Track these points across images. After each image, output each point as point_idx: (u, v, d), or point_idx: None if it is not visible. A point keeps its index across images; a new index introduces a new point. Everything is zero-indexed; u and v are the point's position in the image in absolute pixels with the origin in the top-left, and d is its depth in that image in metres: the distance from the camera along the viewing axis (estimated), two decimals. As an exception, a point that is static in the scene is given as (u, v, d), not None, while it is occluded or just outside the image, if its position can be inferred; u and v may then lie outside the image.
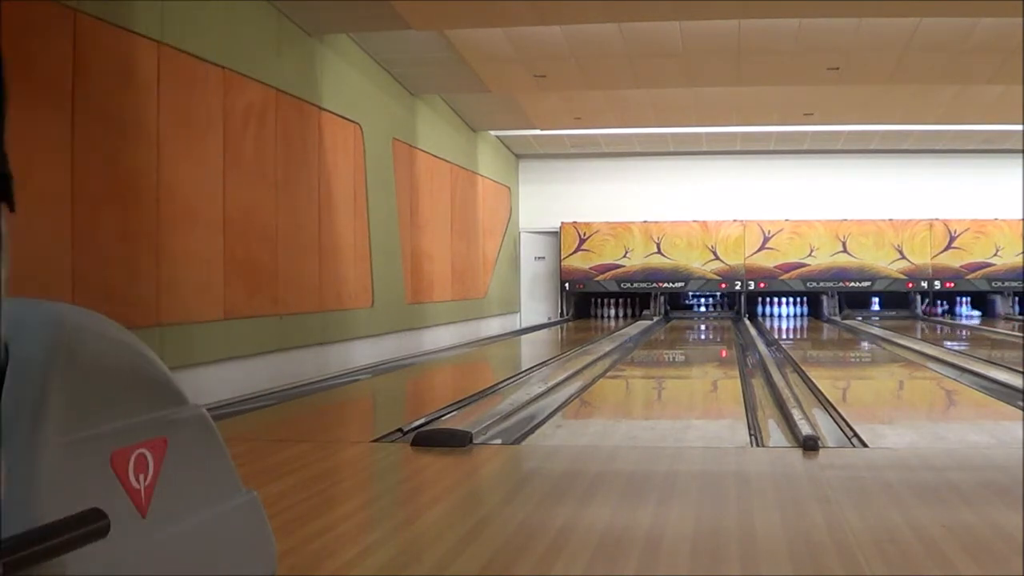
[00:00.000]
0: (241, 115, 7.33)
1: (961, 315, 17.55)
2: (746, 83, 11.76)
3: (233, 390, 6.83)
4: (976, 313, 17.48)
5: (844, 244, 17.21)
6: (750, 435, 5.44)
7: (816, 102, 13.30)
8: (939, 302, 17.57)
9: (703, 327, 16.42)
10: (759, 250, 17.30)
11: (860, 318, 16.85)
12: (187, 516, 1.74)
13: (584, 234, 17.51)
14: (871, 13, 8.82)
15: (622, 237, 17.45)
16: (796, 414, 5.59)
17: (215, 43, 7.01)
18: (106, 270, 5.77)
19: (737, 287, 17.34)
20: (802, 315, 17.86)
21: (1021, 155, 16.00)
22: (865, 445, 4.90)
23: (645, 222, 17.44)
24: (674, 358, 11.73)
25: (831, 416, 5.94)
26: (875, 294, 17.70)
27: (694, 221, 17.40)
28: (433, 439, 4.84)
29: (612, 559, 2.98)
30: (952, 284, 17.14)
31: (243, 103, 7.36)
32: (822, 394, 6.91)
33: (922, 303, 17.27)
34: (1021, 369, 7.91)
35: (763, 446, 5.14)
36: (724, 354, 11.72)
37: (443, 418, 5.77)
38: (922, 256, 17.11)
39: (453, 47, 10.05)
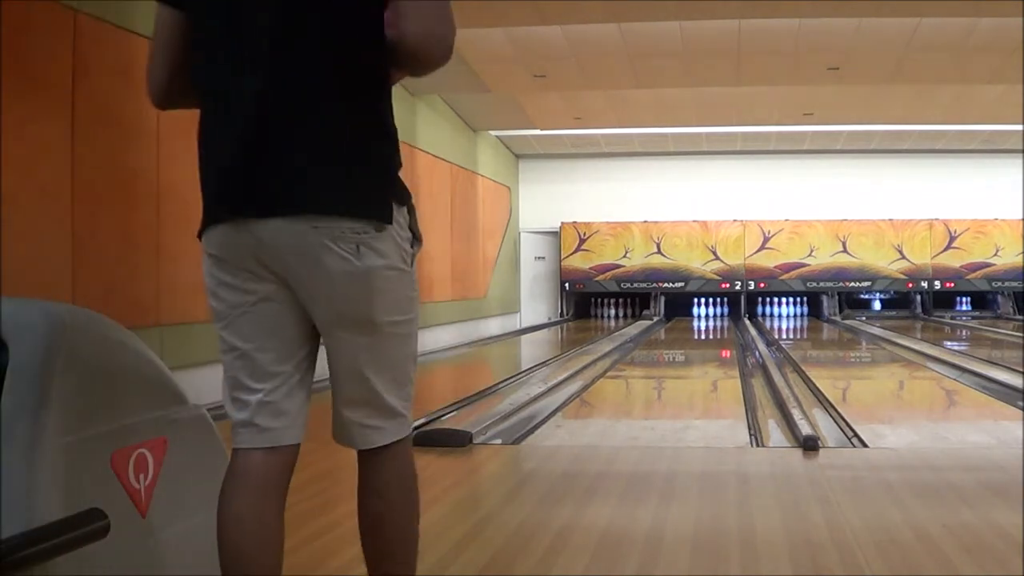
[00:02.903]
0: (241, 115, 7.33)
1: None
2: (746, 83, 11.76)
3: (233, 390, 6.82)
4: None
5: (844, 244, 17.21)
6: (750, 435, 5.44)
7: (816, 102, 13.30)
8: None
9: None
10: (759, 250, 17.31)
11: (863, 318, 16.85)
12: (187, 516, 1.74)
13: (584, 234, 17.51)
14: (871, 13, 8.82)
15: (622, 237, 17.46)
16: (796, 414, 5.59)
17: (215, 43, 7.01)
18: (106, 270, 5.77)
19: (737, 287, 17.34)
20: (802, 315, 17.86)
21: (1021, 155, 16.00)
22: (865, 445, 4.90)
23: (645, 222, 17.44)
24: (674, 358, 11.73)
25: (831, 416, 5.95)
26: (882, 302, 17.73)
27: (694, 221, 17.40)
28: (433, 439, 4.84)
29: (612, 559, 2.98)
30: (952, 284, 17.14)
31: (243, 103, 7.36)
32: (822, 394, 6.91)
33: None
34: (1021, 369, 7.91)
35: (763, 446, 5.14)
36: (726, 355, 11.72)
37: (443, 418, 5.77)
38: (922, 256, 17.12)
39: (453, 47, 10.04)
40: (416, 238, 1.85)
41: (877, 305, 18.00)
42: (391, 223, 1.76)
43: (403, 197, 1.81)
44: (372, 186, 1.76)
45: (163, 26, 1.87)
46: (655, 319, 16.79)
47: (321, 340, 1.87)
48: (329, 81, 1.74)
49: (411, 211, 1.84)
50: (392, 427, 1.87)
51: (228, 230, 1.76)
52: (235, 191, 1.75)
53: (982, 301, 17.79)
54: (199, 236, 1.83)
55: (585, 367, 9.07)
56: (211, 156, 1.80)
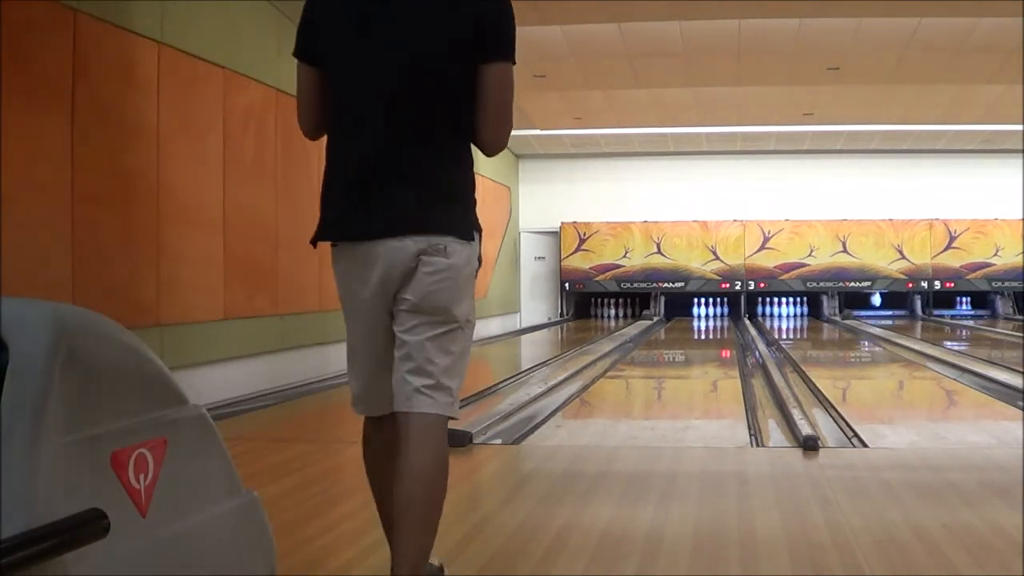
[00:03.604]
0: (241, 115, 7.32)
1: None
2: (746, 83, 11.75)
3: (233, 390, 6.82)
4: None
5: (844, 244, 17.20)
6: (750, 435, 5.44)
7: (816, 102, 13.29)
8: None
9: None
10: (759, 250, 17.30)
11: (864, 318, 16.84)
12: (187, 516, 1.74)
13: (584, 234, 17.51)
14: (871, 13, 8.81)
15: (622, 237, 17.45)
16: (796, 414, 5.59)
17: (215, 43, 7.01)
18: (106, 270, 5.77)
19: (737, 287, 17.34)
20: (802, 315, 17.86)
21: (1021, 155, 15.99)
22: (865, 445, 4.90)
23: (645, 222, 17.43)
24: (674, 358, 11.73)
25: (831, 416, 5.95)
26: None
27: (694, 221, 17.39)
28: (433, 439, 4.83)
29: (612, 559, 2.98)
30: (952, 284, 17.14)
31: (243, 103, 7.35)
32: (822, 394, 6.91)
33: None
34: (1021, 369, 7.91)
35: (763, 446, 5.14)
36: (726, 355, 11.72)
37: (443, 418, 5.77)
38: (922, 256, 17.12)
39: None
40: (479, 260, 2.41)
41: (877, 299, 17.91)
42: (472, 240, 2.34)
43: (478, 227, 2.39)
44: (458, 215, 2.33)
45: (304, 78, 2.41)
46: (655, 319, 16.79)
47: (395, 327, 2.33)
48: (430, 138, 2.30)
49: (479, 233, 2.39)
50: (442, 401, 2.28)
51: (352, 245, 2.33)
52: (361, 217, 2.29)
53: (981, 301, 17.79)
54: (313, 243, 2.41)
55: (585, 367, 9.07)
56: (339, 184, 2.35)
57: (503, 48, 2.31)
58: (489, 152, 2.40)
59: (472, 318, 2.37)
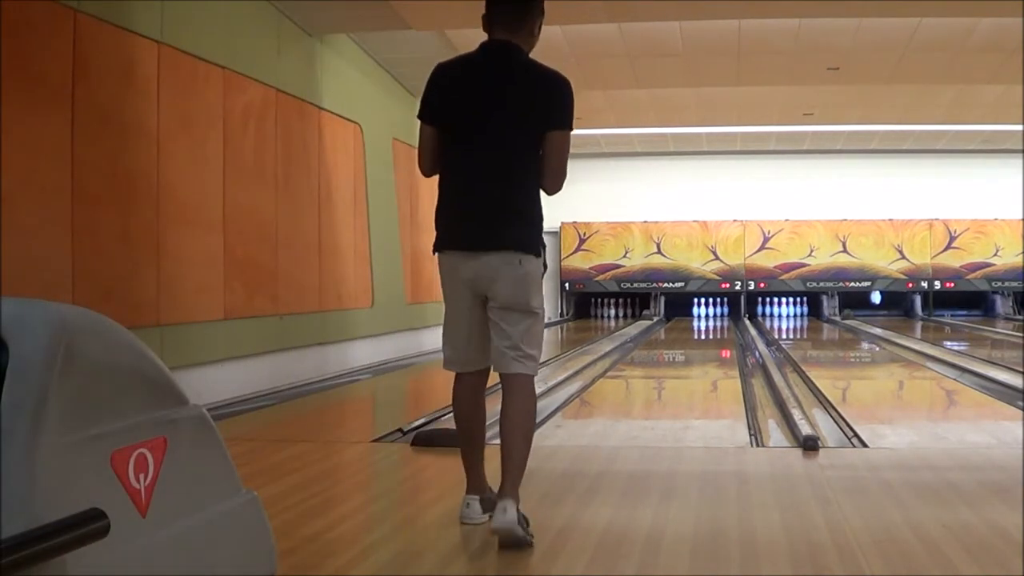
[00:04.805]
0: (241, 115, 7.32)
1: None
2: (746, 83, 11.75)
3: (233, 390, 6.82)
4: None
5: (844, 244, 17.20)
6: (750, 435, 5.44)
7: (816, 102, 13.29)
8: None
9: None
10: (759, 250, 17.30)
11: (861, 316, 16.83)
12: (187, 516, 1.74)
13: (584, 234, 17.51)
14: (871, 13, 8.81)
15: (622, 237, 17.45)
16: (796, 414, 5.59)
17: (215, 43, 7.00)
18: (106, 270, 5.76)
19: (737, 287, 17.33)
20: (802, 315, 17.86)
21: (1021, 155, 15.99)
22: (865, 445, 4.90)
23: (645, 222, 17.43)
24: (674, 358, 11.73)
25: (831, 416, 5.95)
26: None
27: (694, 221, 17.39)
28: (433, 439, 4.84)
29: (612, 559, 2.98)
30: (952, 284, 17.13)
31: (243, 103, 7.35)
32: (822, 394, 6.91)
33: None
34: (1021, 369, 7.91)
35: (763, 446, 5.14)
36: (726, 355, 11.72)
37: (443, 418, 5.76)
38: (922, 256, 17.12)
39: (453, 47, 10.05)
40: (545, 266, 3.34)
41: (877, 297, 17.84)
42: (540, 255, 3.29)
43: (543, 243, 3.32)
44: (533, 236, 3.28)
45: (425, 134, 3.35)
46: (655, 319, 16.79)
47: (492, 317, 3.25)
48: (515, 182, 3.26)
49: (543, 248, 3.32)
50: (529, 365, 3.33)
51: (458, 254, 3.26)
52: (468, 235, 3.24)
53: (977, 301, 17.77)
54: (434, 251, 3.35)
55: (585, 367, 9.07)
56: (452, 211, 3.33)
57: (564, 121, 3.25)
58: (550, 193, 3.30)
59: (542, 302, 3.32)
